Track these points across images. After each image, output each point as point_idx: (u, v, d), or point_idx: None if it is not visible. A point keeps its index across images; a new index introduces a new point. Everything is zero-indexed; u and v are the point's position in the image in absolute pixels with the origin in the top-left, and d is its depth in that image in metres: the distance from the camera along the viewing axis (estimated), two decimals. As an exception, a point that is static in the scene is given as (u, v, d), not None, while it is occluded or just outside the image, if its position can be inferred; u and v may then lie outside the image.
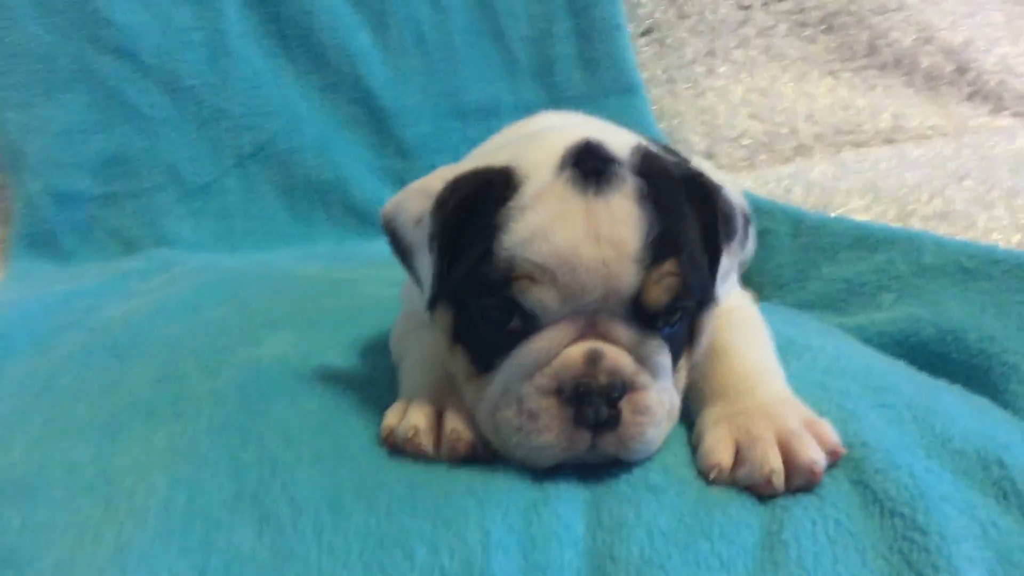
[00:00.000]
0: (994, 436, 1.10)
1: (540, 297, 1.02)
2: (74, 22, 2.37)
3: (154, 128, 2.41)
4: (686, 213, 1.11)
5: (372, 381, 1.28)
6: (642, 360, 1.05)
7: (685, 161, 1.38)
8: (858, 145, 2.91)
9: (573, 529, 0.97)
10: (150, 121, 2.40)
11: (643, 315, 1.05)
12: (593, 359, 1.02)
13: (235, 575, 0.90)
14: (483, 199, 1.07)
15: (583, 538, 0.96)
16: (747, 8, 2.92)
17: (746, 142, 2.86)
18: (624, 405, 1.02)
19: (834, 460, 1.05)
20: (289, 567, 0.91)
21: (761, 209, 2.13)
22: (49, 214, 2.31)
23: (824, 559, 0.93)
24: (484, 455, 1.08)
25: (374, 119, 2.56)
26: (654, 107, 2.88)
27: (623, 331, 1.04)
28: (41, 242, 2.31)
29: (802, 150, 2.89)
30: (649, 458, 1.07)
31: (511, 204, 1.05)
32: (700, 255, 1.12)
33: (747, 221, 1.23)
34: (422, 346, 1.24)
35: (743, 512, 0.99)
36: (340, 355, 1.38)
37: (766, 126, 2.88)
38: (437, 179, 1.12)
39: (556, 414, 1.01)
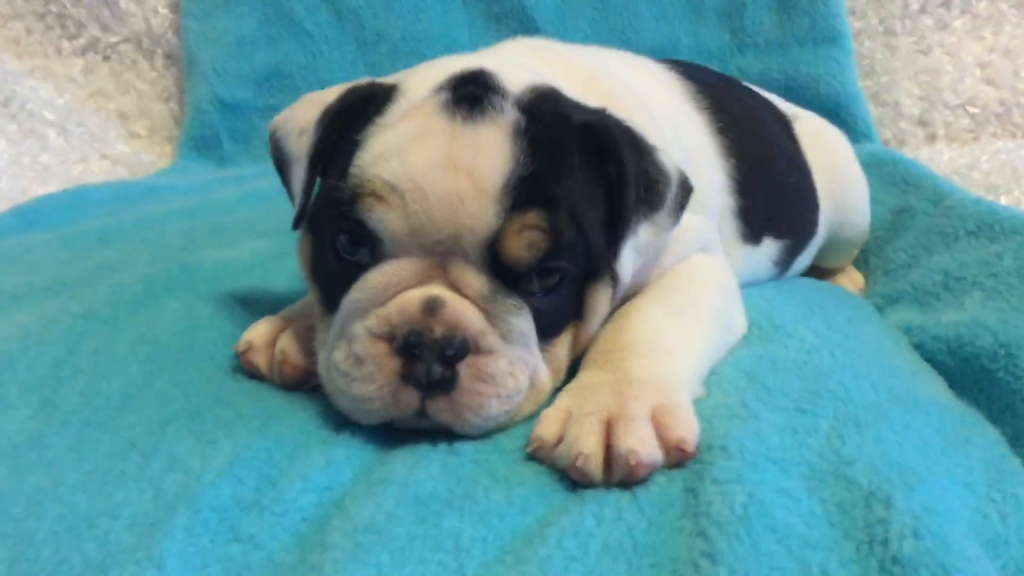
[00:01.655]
0: (914, 472, 0.86)
1: (385, 218, 0.90)
2: (255, -74, 2.49)
3: (316, 46, 2.49)
4: (576, 166, 0.96)
5: (298, 297, 1.24)
6: (494, 320, 0.91)
7: None
8: (1124, 127, 2.39)
9: (335, 475, 0.88)
10: (313, 39, 2.49)
11: (504, 270, 0.92)
12: (431, 307, 0.89)
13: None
14: (359, 115, 0.98)
15: (338, 487, 0.87)
16: (1000, -48, 2.46)
17: (973, 110, 2.43)
18: (464, 368, 0.89)
19: (680, 460, 0.88)
20: (36, 453, 0.90)
21: (912, 183, 1.82)
22: (214, 119, 2.47)
23: (574, 568, 0.77)
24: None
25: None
26: (864, 62, 2.51)
27: (474, 280, 0.91)
28: (205, 144, 2.49)
29: (1048, 126, 2.41)
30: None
31: (377, 120, 0.96)
32: (594, 218, 0.96)
33: (685, 192, 1.05)
34: None
35: (532, 495, 0.86)
36: (292, 266, 1.33)
37: (1003, 93, 2.43)
38: (335, 90, 1.03)
39: (383, 363, 0.89)
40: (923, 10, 2.49)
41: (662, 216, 1.01)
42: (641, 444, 0.85)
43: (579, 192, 0.95)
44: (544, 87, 1.00)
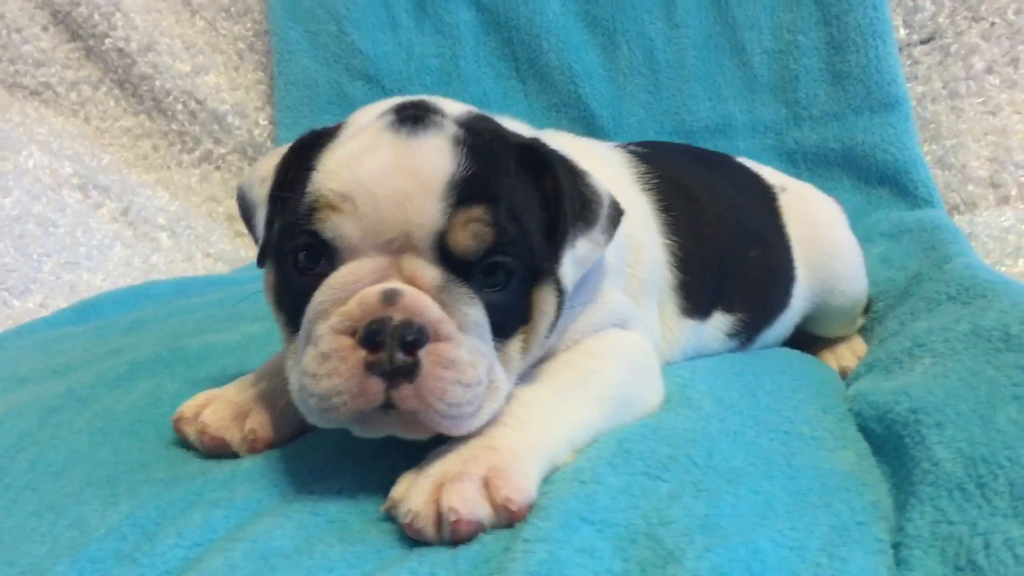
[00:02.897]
0: (721, 534, 0.89)
1: (339, 224, 0.96)
2: (335, 53, 2.73)
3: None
4: (512, 173, 1.03)
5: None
6: (449, 309, 0.96)
7: None
8: None
9: (209, 533, 0.98)
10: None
11: (454, 262, 0.98)
12: (390, 297, 0.94)
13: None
14: (314, 149, 1.06)
15: (207, 543, 0.97)
16: (1068, 6, 2.36)
17: (1049, 170, 2.32)
18: (424, 356, 0.93)
19: (511, 519, 0.94)
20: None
21: (933, 248, 1.79)
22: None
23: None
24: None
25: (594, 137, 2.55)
26: (930, 126, 2.45)
27: (427, 272, 0.97)
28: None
29: None
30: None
31: (329, 145, 1.05)
32: (530, 219, 1.03)
33: (616, 213, 1.12)
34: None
35: (368, 552, 0.93)
36: (276, 348, 1.46)
37: (1078, 152, 2.30)
38: (296, 142, 1.11)
39: (347, 356, 0.93)
40: (989, 70, 2.42)
41: (596, 232, 1.07)
42: (463, 503, 0.91)
43: (517, 195, 1.02)
44: (480, 114, 1.09)
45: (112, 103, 2.98)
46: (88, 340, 1.60)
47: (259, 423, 1.15)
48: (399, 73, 2.68)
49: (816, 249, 1.57)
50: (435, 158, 0.98)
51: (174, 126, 2.96)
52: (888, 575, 0.89)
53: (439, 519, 0.92)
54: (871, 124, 2.38)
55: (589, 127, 2.55)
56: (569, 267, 1.04)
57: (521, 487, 0.94)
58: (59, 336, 1.66)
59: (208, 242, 2.72)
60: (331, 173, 0.99)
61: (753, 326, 1.48)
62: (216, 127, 2.93)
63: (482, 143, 1.01)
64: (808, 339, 1.70)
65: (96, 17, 2.88)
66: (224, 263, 2.69)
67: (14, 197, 2.33)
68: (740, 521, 0.92)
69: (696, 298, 1.36)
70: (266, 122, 2.91)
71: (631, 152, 1.46)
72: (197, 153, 2.96)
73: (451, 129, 1.01)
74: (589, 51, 2.60)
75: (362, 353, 0.93)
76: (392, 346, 0.92)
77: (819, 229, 1.60)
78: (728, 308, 1.42)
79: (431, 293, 0.96)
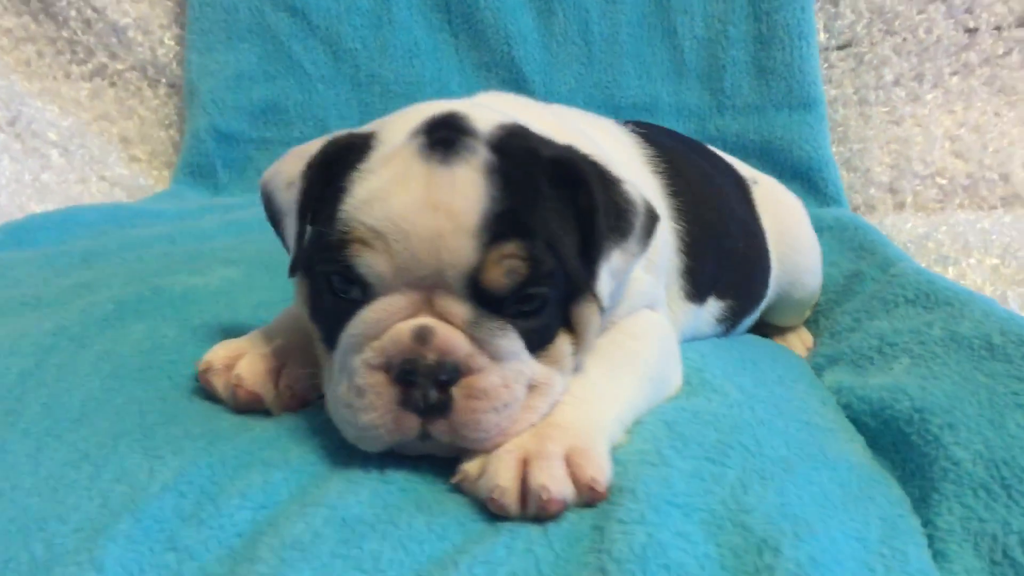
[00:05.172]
0: (806, 524, 0.92)
1: (372, 263, 0.96)
2: (257, -23, 2.60)
3: (312, 84, 2.58)
4: (548, 196, 1.02)
5: (262, 324, 1.31)
6: (481, 343, 0.97)
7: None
8: (1086, 204, 2.47)
9: (272, 495, 0.95)
10: (310, 77, 2.58)
11: (486, 297, 0.97)
12: (422, 336, 0.95)
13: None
14: (342, 164, 1.04)
15: (273, 506, 0.94)
16: (973, 32, 2.55)
17: (942, 181, 2.51)
18: (457, 390, 0.95)
19: (592, 499, 0.95)
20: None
21: (866, 248, 1.90)
22: (210, 148, 2.56)
23: (483, 596, 0.84)
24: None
25: (524, 99, 2.55)
26: (838, 128, 2.60)
27: (459, 309, 0.96)
28: (200, 172, 2.58)
29: (1011, 201, 2.49)
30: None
31: (360, 167, 1.02)
32: (566, 243, 1.02)
33: (651, 220, 1.11)
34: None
35: (452, 524, 0.92)
36: (259, 295, 1.41)
37: (971, 167, 2.51)
38: (317, 143, 1.09)
39: (382, 392, 0.95)
40: (896, 82, 2.59)
41: (631, 243, 1.07)
42: (552, 481, 0.92)
43: (553, 222, 1.01)
44: (512, 125, 1.06)
45: (-9, -1, 2.70)
46: (44, 270, 1.48)
47: (296, 380, 1.10)
48: (328, 11, 2.57)
49: (784, 242, 1.65)
50: (467, 193, 0.96)
51: (64, 33, 2.72)
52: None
53: (523, 496, 0.92)
54: (790, 120, 2.50)
55: (520, 90, 2.49)
56: (605, 281, 1.04)
57: (603, 467, 0.96)
58: (2, 263, 1.51)
59: (104, 164, 2.55)
60: (362, 204, 0.97)
61: (739, 312, 1.54)
62: (114, 40, 2.72)
63: (515, 168, 1.00)
64: (756, 328, 1.78)
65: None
66: (122, 189, 2.53)
67: None
68: (811, 512, 0.96)
69: (698, 283, 1.41)
70: (172, 42, 2.73)
71: (636, 132, 1.48)
72: (89, 66, 2.74)
73: (482, 154, 0.99)
74: (525, 14, 2.58)
75: (396, 389, 0.95)
76: (426, 384, 0.94)
77: (788, 223, 1.68)
78: (720, 294, 1.47)
79: (462, 328, 0.96)
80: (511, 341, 0.98)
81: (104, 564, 0.83)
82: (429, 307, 0.97)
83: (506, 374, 0.97)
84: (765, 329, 1.77)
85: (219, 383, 1.10)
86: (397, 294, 0.97)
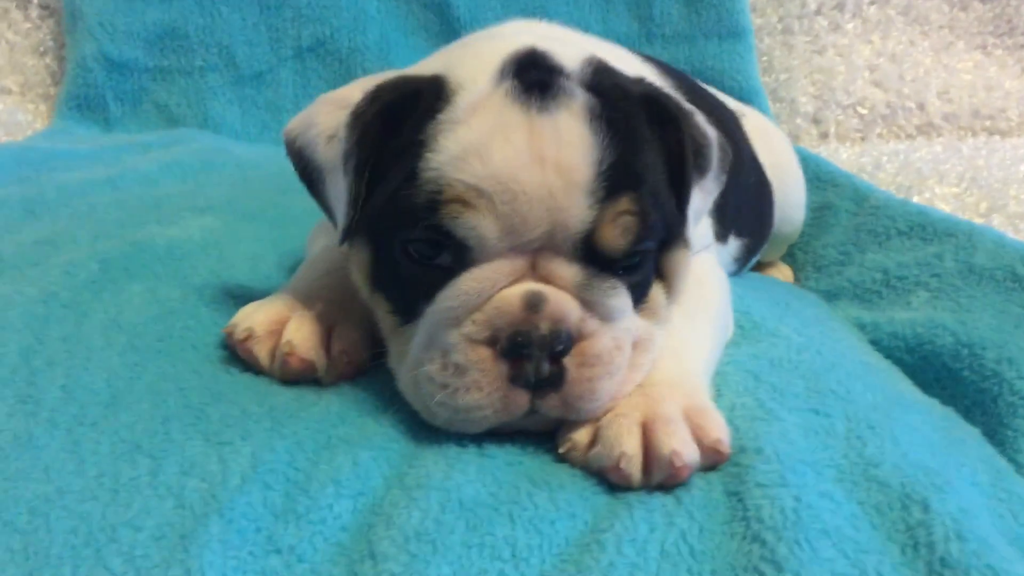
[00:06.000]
0: (938, 474, 0.88)
1: (474, 225, 0.85)
2: None
3: (215, 6, 2.34)
4: (647, 139, 0.93)
5: (265, 280, 1.16)
6: (590, 304, 0.88)
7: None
8: (996, 133, 2.55)
9: (365, 479, 0.83)
10: (212, -1, 2.35)
11: (596, 257, 0.88)
12: (533, 304, 0.85)
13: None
14: (408, 111, 0.91)
15: (371, 491, 0.82)
16: (891, -39, 2.58)
17: (862, 111, 2.55)
18: (569, 360, 0.86)
19: (715, 462, 0.87)
20: (29, 456, 0.80)
21: (828, 180, 1.89)
22: (99, 79, 2.29)
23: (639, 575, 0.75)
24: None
25: (446, 28, 2.40)
26: (763, 59, 2.59)
27: (568, 272, 0.88)
28: (88, 105, 2.31)
29: (927, 129, 2.56)
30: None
31: (441, 117, 0.89)
32: (664, 189, 0.94)
33: (726, 154, 1.04)
34: (326, 245, 1.10)
35: (575, 499, 0.83)
36: (249, 248, 1.25)
37: (890, 96, 2.56)
38: (356, 89, 0.96)
39: (488, 369, 0.85)
40: (818, 11, 2.59)
41: (708, 180, 1.01)
42: (684, 445, 0.84)
43: (653, 167, 0.93)
44: (596, 60, 0.97)
45: None
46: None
47: (350, 344, 0.97)
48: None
49: (777, 176, 1.60)
50: (575, 144, 0.87)
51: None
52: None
53: (647, 462, 0.84)
54: (720, 50, 2.46)
55: (443, 16, 2.41)
56: (691, 223, 0.98)
57: (723, 426, 0.90)
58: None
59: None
60: (456, 160, 0.86)
61: (752, 250, 1.49)
62: (-26, -47, 2.37)
63: (615, 112, 0.91)
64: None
65: None
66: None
67: None
68: (932, 460, 0.92)
69: (725, 222, 1.34)
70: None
71: (660, 68, 1.38)
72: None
73: (582, 99, 0.90)
74: (451, -67, 2.42)
75: (504, 365, 0.85)
76: (540, 357, 0.85)
77: (779, 156, 1.64)
78: (738, 232, 1.41)
79: (572, 292, 0.88)
80: (621, 300, 0.90)
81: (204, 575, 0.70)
82: (531, 271, 0.88)
83: (617, 335, 0.89)
84: (746, 265, 1.74)
85: (262, 351, 0.96)
86: (501, 259, 0.87)
